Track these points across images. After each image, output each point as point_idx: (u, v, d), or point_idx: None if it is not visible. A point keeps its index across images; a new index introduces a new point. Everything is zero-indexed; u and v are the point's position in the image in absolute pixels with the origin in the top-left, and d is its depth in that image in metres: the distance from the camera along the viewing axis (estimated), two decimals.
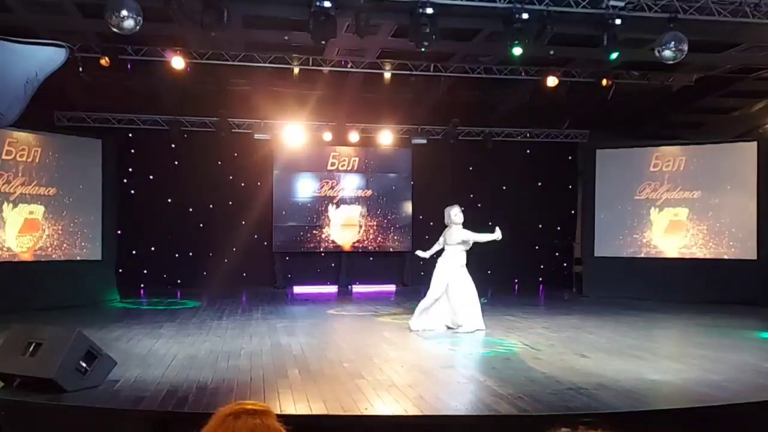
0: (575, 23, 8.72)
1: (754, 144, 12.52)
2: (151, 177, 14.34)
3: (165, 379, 6.00)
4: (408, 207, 15.29)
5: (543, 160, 15.47)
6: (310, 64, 11.06)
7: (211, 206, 14.66)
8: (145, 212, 13.93)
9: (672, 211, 13.06)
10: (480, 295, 9.28)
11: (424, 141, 14.47)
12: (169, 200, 14.45)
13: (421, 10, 8.02)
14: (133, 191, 14.16)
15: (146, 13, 7.60)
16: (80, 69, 10.19)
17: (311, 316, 10.85)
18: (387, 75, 11.42)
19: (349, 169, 15.23)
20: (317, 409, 5.14)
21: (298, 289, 14.53)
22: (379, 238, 15.27)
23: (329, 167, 15.14)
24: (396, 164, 15.40)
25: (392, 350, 7.77)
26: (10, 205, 11.10)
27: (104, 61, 10.18)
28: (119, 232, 13.25)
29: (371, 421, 4.97)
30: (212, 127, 13.62)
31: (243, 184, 14.84)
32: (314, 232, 15.04)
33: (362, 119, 14.15)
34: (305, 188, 15.08)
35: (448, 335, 8.71)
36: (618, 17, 8.27)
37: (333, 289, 14.86)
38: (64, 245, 11.90)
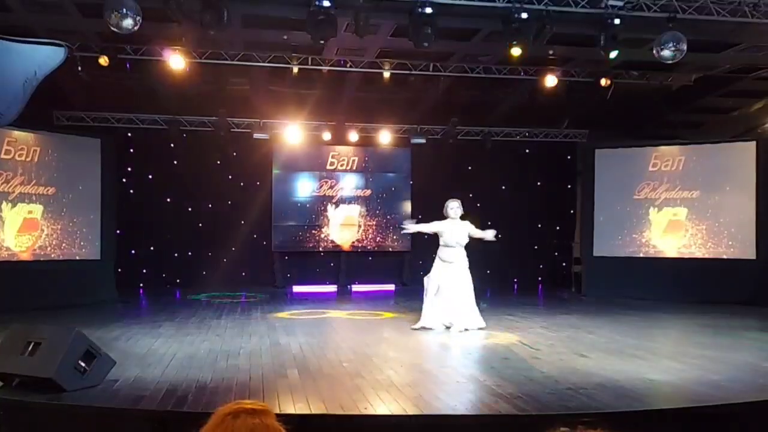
0: (574, 23, 8.72)
1: (753, 144, 12.52)
2: (150, 176, 14.34)
3: (164, 379, 6.00)
4: (407, 206, 15.29)
5: (542, 159, 15.48)
6: (310, 63, 11.05)
7: (210, 206, 14.67)
8: (144, 212, 13.93)
9: (671, 211, 13.06)
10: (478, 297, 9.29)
11: (424, 140, 14.47)
12: (169, 200, 14.45)
13: (420, 10, 8.02)
14: (132, 191, 14.16)
15: (145, 13, 7.59)
16: (79, 68, 10.19)
17: (311, 315, 10.84)
18: (386, 74, 11.42)
19: (348, 168, 15.23)
20: (316, 408, 5.14)
21: (297, 289, 14.54)
22: (378, 238, 15.27)
23: (328, 167, 15.14)
24: (395, 164, 15.41)
25: (391, 350, 7.77)
26: (9, 204, 11.10)
27: (103, 61, 10.17)
28: (118, 231, 13.24)
29: (370, 420, 4.96)
30: (211, 126, 13.61)
31: (242, 184, 14.85)
32: (313, 231, 15.05)
33: (361, 119, 14.15)
34: (304, 188, 15.09)
35: (447, 335, 8.70)
36: (617, 17, 8.27)
37: (332, 288, 14.86)
38: (63, 245, 11.89)
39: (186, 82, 11.16)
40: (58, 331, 5.84)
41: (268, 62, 10.90)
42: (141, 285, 14.10)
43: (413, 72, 11.45)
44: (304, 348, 7.68)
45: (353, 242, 15.22)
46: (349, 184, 15.27)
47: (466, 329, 8.85)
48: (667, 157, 13.17)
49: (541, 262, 16.00)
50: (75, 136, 12.35)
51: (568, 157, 15.69)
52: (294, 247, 15.01)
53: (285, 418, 1.86)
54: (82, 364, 5.49)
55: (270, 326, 9.37)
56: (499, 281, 15.21)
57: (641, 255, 13.27)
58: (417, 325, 9.06)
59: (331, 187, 15.17)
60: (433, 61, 11.28)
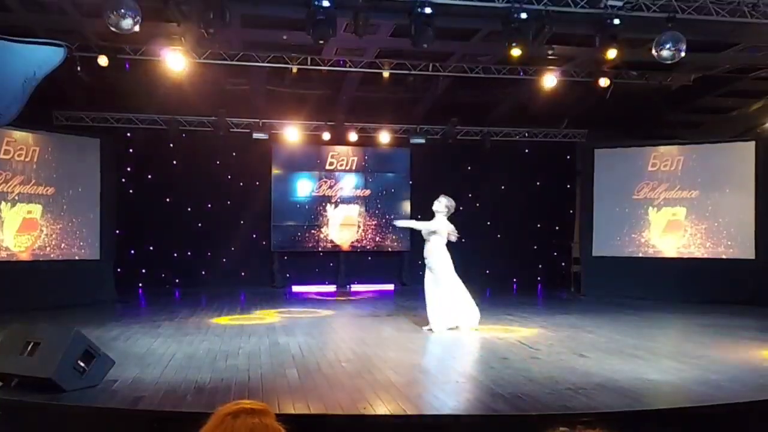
0: (574, 23, 8.72)
1: (752, 144, 12.53)
2: (149, 176, 14.34)
3: (163, 379, 5.99)
4: (406, 206, 15.29)
5: (541, 159, 15.48)
6: (309, 63, 11.05)
7: (209, 206, 14.66)
8: (143, 212, 13.91)
9: (670, 211, 13.07)
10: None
11: (423, 140, 14.47)
12: (168, 200, 14.45)
13: (419, 10, 8.02)
14: (131, 191, 14.15)
15: (144, 13, 7.59)
16: (78, 68, 10.18)
17: (310, 315, 10.83)
18: (385, 74, 11.42)
19: (347, 168, 15.23)
20: (315, 408, 5.14)
21: (296, 289, 14.54)
22: (377, 238, 15.28)
23: (328, 167, 15.14)
24: (394, 164, 15.41)
25: (391, 350, 7.77)
26: (8, 204, 11.09)
27: (102, 61, 10.16)
28: (117, 231, 13.24)
29: (370, 420, 4.96)
30: (210, 126, 13.61)
31: (241, 184, 14.84)
32: (313, 231, 15.05)
33: (361, 119, 14.15)
34: (304, 188, 15.09)
35: (447, 334, 8.70)
36: (616, 17, 8.27)
37: (331, 288, 14.87)
38: (63, 245, 11.89)
39: (185, 82, 11.17)
40: (57, 331, 5.84)
41: (268, 62, 10.90)
42: (140, 285, 14.10)
43: (413, 72, 11.45)
44: (303, 348, 7.68)
45: (352, 242, 15.22)
46: (349, 184, 15.27)
47: (473, 326, 8.84)
48: (667, 157, 13.18)
49: (540, 262, 16.00)
50: (74, 136, 12.35)
51: (568, 157, 15.69)
52: (293, 247, 15.01)
53: (284, 418, 1.86)
54: (81, 364, 5.49)
55: (269, 326, 9.37)
56: (498, 281, 15.22)
57: (640, 255, 13.28)
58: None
59: (331, 187, 15.17)
60: (432, 61, 11.28)
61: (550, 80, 11.53)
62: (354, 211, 15.25)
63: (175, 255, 14.43)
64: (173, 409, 5.05)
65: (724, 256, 12.51)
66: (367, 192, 15.31)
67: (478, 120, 14.46)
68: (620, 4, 8.23)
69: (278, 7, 8.69)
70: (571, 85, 12.03)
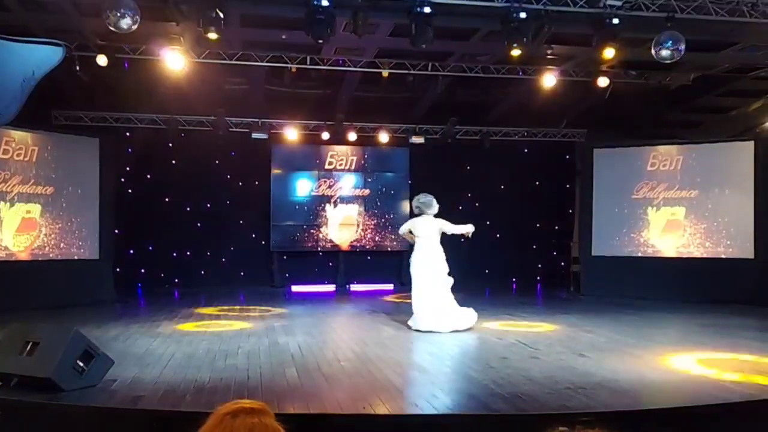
0: (573, 22, 8.72)
1: (752, 143, 12.53)
2: (148, 176, 14.33)
3: (162, 379, 5.99)
4: (406, 206, 15.26)
5: (540, 159, 15.48)
6: (308, 63, 11.05)
7: (208, 205, 14.66)
8: (142, 211, 13.91)
9: (669, 211, 13.07)
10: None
11: (422, 140, 14.47)
12: (167, 199, 14.44)
13: (418, 9, 8.02)
14: (130, 190, 14.15)
15: (143, 12, 7.58)
16: (77, 68, 10.17)
17: (309, 315, 10.83)
18: (385, 74, 11.41)
19: (346, 168, 15.23)
20: (315, 408, 5.13)
21: (296, 288, 14.54)
22: (376, 238, 15.28)
23: (327, 166, 15.14)
24: (394, 163, 15.41)
25: (390, 349, 7.77)
26: (7, 204, 11.08)
27: (101, 60, 10.16)
28: (117, 231, 13.24)
29: (369, 420, 4.96)
30: (210, 126, 13.61)
31: (241, 184, 14.84)
32: (312, 231, 15.05)
33: (360, 118, 14.16)
34: (303, 187, 15.08)
35: (446, 335, 8.69)
36: (615, 16, 8.28)
37: (331, 288, 14.87)
38: (62, 244, 11.88)
39: (184, 82, 11.16)
40: (56, 331, 5.84)
41: (267, 62, 10.90)
42: (139, 285, 14.10)
43: (412, 71, 11.45)
44: (302, 347, 7.68)
45: (352, 242, 15.22)
46: (348, 183, 15.27)
47: (467, 327, 8.84)
48: (666, 156, 13.18)
49: (539, 261, 16.01)
50: (73, 136, 12.34)
51: (567, 157, 15.70)
52: (292, 246, 15.01)
53: (283, 418, 1.85)
54: (81, 364, 5.49)
55: (268, 326, 9.37)
56: (497, 281, 15.23)
57: (640, 255, 13.28)
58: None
59: (330, 187, 15.17)
60: (431, 60, 11.28)
61: (549, 80, 11.53)
62: (353, 210, 15.25)
63: (175, 255, 14.43)
64: (172, 409, 5.04)
65: (723, 256, 12.52)
66: (367, 192, 15.31)
67: (477, 120, 14.46)
68: (619, 3, 8.23)
69: (277, 6, 8.69)
70: (571, 84, 12.04)
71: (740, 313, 10.52)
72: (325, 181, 15.15)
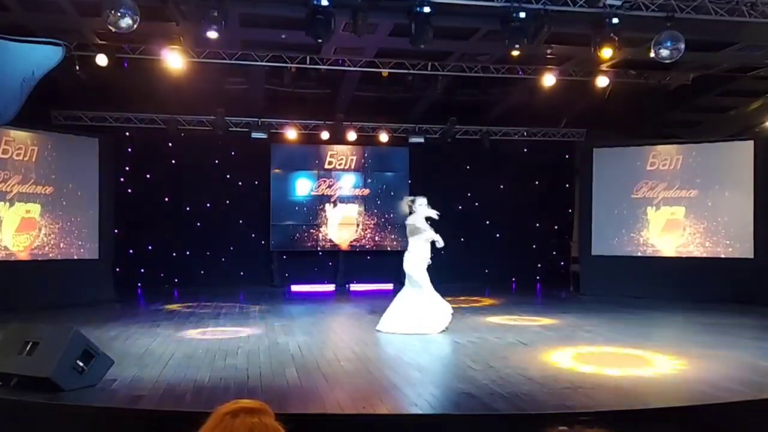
0: (573, 22, 8.72)
1: (751, 143, 12.53)
2: (148, 176, 14.33)
3: (162, 378, 6.00)
4: (405, 206, 15.26)
5: (540, 159, 15.49)
6: (308, 62, 11.04)
7: (208, 205, 14.66)
8: (142, 211, 13.91)
9: (669, 210, 13.07)
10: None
11: (422, 140, 14.48)
12: (167, 199, 14.44)
13: (418, 9, 8.02)
14: (130, 190, 14.14)
15: (143, 12, 7.58)
16: (77, 67, 10.17)
17: (309, 314, 10.84)
18: (384, 74, 11.41)
19: (346, 167, 15.23)
20: (314, 408, 5.14)
21: (295, 288, 14.54)
22: (376, 237, 15.27)
23: (326, 166, 15.14)
24: (393, 163, 15.41)
25: (389, 349, 7.77)
26: (7, 204, 11.08)
27: (101, 60, 10.15)
28: (116, 231, 13.24)
29: (369, 419, 4.96)
30: (209, 126, 13.60)
31: (240, 183, 14.84)
32: (312, 231, 15.05)
33: (360, 118, 14.16)
34: (302, 187, 15.08)
35: (446, 334, 8.69)
36: (615, 16, 8.27)
37: (330, 287, 14.87)
38: (61, 244, 11.88)
39: (184, 82, 11.16)
40: (56, 331, 5.84)
41: (266, 61, 10.89)
42: (139, 284, 14.10)
43: (411, 71, 11.44)
44: (302, 347, 7.68)
45: (351, 241, 15.22)
46: (348, 183, 15.27)
47: (441, 330, 8.82)
48: (665, 156, 13.18)
49: (539, 261, 16.01)
50: (73, 136, 12.33)
51: (566, 157, 15.71)
52: (292, 246, 15.00)
53: (283, 418, 1.86)
54: (80, 364, 5.49)
55: (268, 326, 9.37)
56: (497, 280, 15.24)
57: (639, 254, 13.28)
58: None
59: (330, 187, 15.16)
60: (431, 60, 11.27)
61: (548, 80, 11.52)
62: (353, 210, 15.25)
63: (174, 255, 14.43)
64: (172, 409, 5.05)
65: (722, 255, 12.52)
66: (366, 191, 15.31)
67: (477, 119, 14.46)
68: (619, 3, 8.23)
69: (277, 6, 8.67)
70: (570, 84, 12.03)
71: (739, 313, 10.52)
72: (324, 181, 15.15)
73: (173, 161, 14.41)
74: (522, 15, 8.12)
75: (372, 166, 15.34)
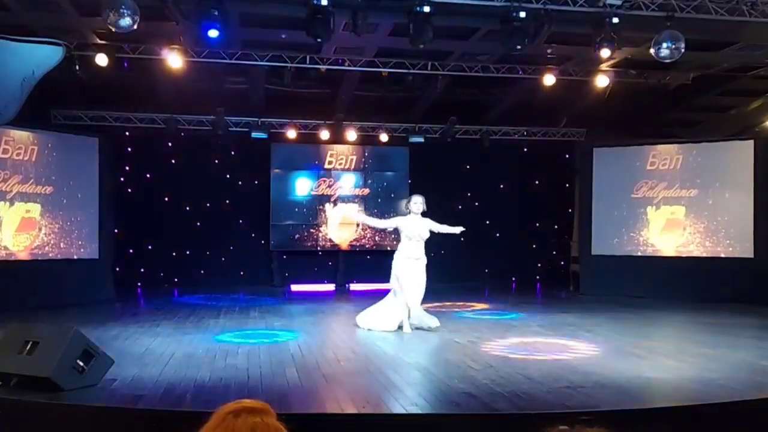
0: (573, 22, 8.72)
1: (751, 142, 12.53)
2: (148, 175, 14.32)
3: (162, 378, 5.99)
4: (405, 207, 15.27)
5: (540, 158, 15.48)
6: (308, 62, 11.04)
7: (208, 205, 14.66)
8: (142, 211, 13.90)
9: (669, 210, 13.07)
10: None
11: (422, 139, 14.47)
12: (166, 199, 14.43)
13: (418, 9, 8.02)
14: (130, 190, 14.15)
15: (143, 12, 7.58)
16: (77, 67, 10.16)
17: (309, 314, 10.84)
18: (384, 73, 11.40)
19: (346, 167, 15.22)
20: (315, 408, 5.14)
21: (295, 288, 14.54)
22: (376, 237, 15.26)
23: (326, 165, 15.13)
24: (393, 163, 15.39)
25: (390, 349, 7.77)
26: (7, 203, 11.07)
27: (101, 60, 10.15)
28: (116, 230, 13.23)
29: (369, 419, 4.96)
30: (209, 125, 13.59)
31: (240, 183, 14.84)
32: (311, 230, 15.04)
33: (359, 118, 14.15)
34: (302, 187, 15.08)
35: (446, 334, 8.69)
36: (615, 16, 8.28)
37: (330, 287, 14.87)
38: (61, 244, 11.87)
39: (184, 81, 11.16)
40: (56, 331, 5.83)
41: (266, 61, 10.89)
42: (139, 284, 14.10)
43: (411, 71, 11.44)
44: (302, 347, 7.68)
45: (351, 241, 15.22)
46: (348, 183, 15.26)
47: (421, 327, 8.81)
48: (665, 155, 13.18)
49: (539, 260, 16.01)
50: (73, 135, 12.33)
51: (566, 156, 15.70)
52: (292, 246, 15.00)
53: (284, 418, 1.86)
54: (81, 364, 5.49)
55: (268, 325, 9.37)
56: (497, 280, 15.24)
57: (639, 254, 13.28)
58: (371, 327, 8.93)
59: (330, 186, 15.16)
60: (431, 60, 11.27)
61: (548, 79, 11.52)
62: (353, 210, 15.23)
63: (174, 254, 14.43)
64: (173, 409, 5.04)
65: (722, 255, 12.52)
66: (366, 191, 15.31)
67: (476, 119, 14.46)
68: (619, 2, 8.23)
69: (277, 6, 8.68)
70: (570, 84, 12.03)
71: (739, 312, 10.52)
72: (324, 181, 15.14)
73: (173, 161, 14.41)
74: (522, 14, 8.12)
75: (372, 166, 15.33)
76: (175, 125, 13.44)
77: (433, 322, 8.94)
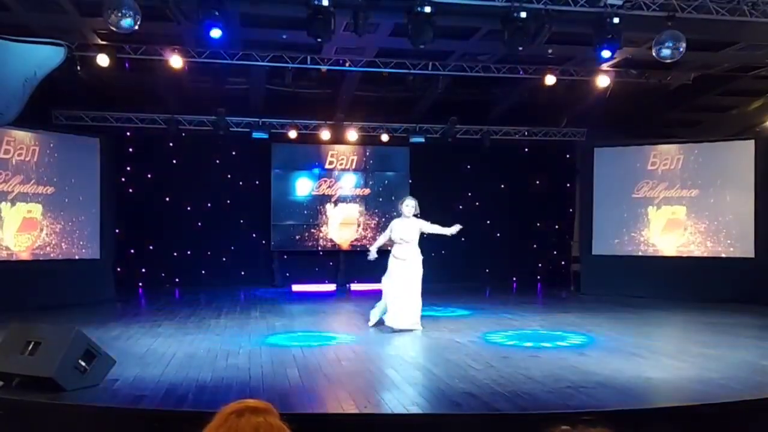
0: (573, 22, 8.72)
1: (752, 142, 12.52)
2: (149, 175, 14.34)
3: (164, 378, 6.00)
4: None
5: (541, 158, 15.49)
6: (308, 62, 11.05)
7: (209, 205, 14.67)
8: (143, 211, 13.92)
9: (670, 210, 13.07)
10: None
11: (422, 139, 14.49)
12: (167, 199, 14.45)
13: (419, 9, 8.02)
14: (131, 190, 14.16)
15: (144, 12, 7.59)
16: (78, 67, 10.18)
17: (310, 314, 10.85)
18: (385, 74, 11.41)
19: (347, 167, 15.23)
20: (316, 407, 5.14)
21: (296, 288, 14.54)
22: (377, 237, 15.22)
23: (327, 166, 15.14)
24: (394, 163, 15.40)
25: (391, 348, 7.78)
26: (8, 204, 11.09)
27: (102, 60, 10.16)
28: (117, 230, 13.25)
29: (371, 419, 4.97)
30: (210, 125, 13.61)
31: (241, 183, 14.85)
32: (312, 230, 15.05)
33: (360, 118, 14.16)
34: (303, 187, 15.08)
35: (445, 334, 8.70)
36: (616, 16, 8.28)
37: (331, 287, 14.87)
38: (63, 244, 11.89)
39: (185, 82, 11.17)
40: (58, 331, 5.84)
41: (267, 61, 10.90)
42: (140, 284, 14.11)
43: (412, 71, 11.45)
44: (303, 347, 7.68)
45: (352, 241, 15.22)
46: (348, 183, 15.27)
47: (401, 329, 8.71)
48: (666, 155, 13.18)
49: (540, 260, 16.01)
50: (74, 136, 12.35)
51: (567, 156, 15.70)
52: (293, 246, 15.01)
53: (285, 418, 1.86)
54: (82, 364, 5.50)
55: (269, 325, 9.37)
56: (497, 280, 15.25)
57: (640, 254, 13.28)
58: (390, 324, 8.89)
59: (330, 186, 15.17)
60: (432, 60, 11.28)
61: (549, 79, 11.52)
62: (354, 210, 15.25)
63: (175, 254, 14.44)
64: (174, 409, 5.05)
65: (723, 255, 12.52)
66: (367, 191, 15.31)
67: (477, 119, 14.46)
68: (620, 2, 8.23)
69: (278, 6, 8.69)
70: (571, 83, 12.04)
71: (740, 312, 10.51)
72: (325, 181, 15.15)
73: (174, 161, 14.42)
74: (523, 15, 8.12)
75: (373, 166, 15.34)
76: (176, 125, 13.45)
77: (414, 325, 8.86)
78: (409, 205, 9.13)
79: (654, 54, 8.55)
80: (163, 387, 5.67)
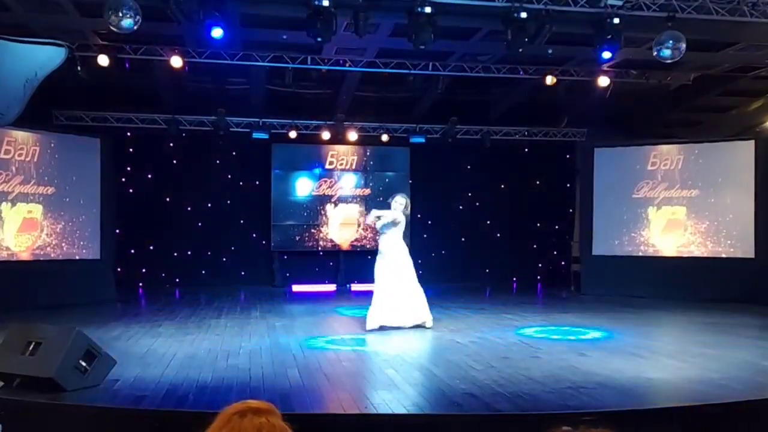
0: (573, 22, 8.73)
1: (752, 142, 12.53)
2: (149, 176, 14.35)
3: (165, 378, 6.00)
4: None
5: (541, 158, 15.49)
6: (309, 63, 11.06)
7: (209, 205, 14.68)
8: (143, 211, 13.93)
9: (670, 210, 13.07)
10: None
11: (423, 140, 14.50)
12: (168, 199, 14.46)
13: (419, 9, 8.03)
14: (131, 190, 14.17)
15: (145, 12, 7.59)
16: (78, 68, 10.19)
17: (310, 314, 10.85)
18: (385, 74, 11.41)
19: (347, 167, 15.24)
20: (316, 408, 5.14)
21: (296, 288, 14.55)
22: (377, 237, 15.23)
23: (327, 166, 15.15)
24: (394, 163, 15.41)
25: (391, 348, 7.77)
26: (9, 204, 11.09)
27: (103, 60, 10.17)
28: (118, 231, 13.25)
29: (371, 419, 4.97)
30: (211, 126, 13.62)
31: (241, 183, 14.86)
32: (312, 231, 15.06)
33: (360, 118, 14.17)
34: (303, 187, 15.09)
35: (445, 334, 8.70)
36: (616, 16, 8.28)
37: (332, 287, 14.88)
38: (63, 244, 11.89)
39: (185, 82, 11.18)
40: (58, 331, 5.84)
41: (268, 62, 10.91)
42: (140, 284, 14.11)
43: (412, 71, 11.46)
44: (303, 347, 7.68)
45: (352, 241, 15.23)
46: (348, 183, 15.28)
47: (399, 326, 8.75)
48: (666, 156, 13.18)
49: (540, 261, 16.02)
50: (74, 136, 12.35)
51: (567, 156, 15.71)
52: (293, 246, 15.01)
53: (285, 418, 1.87)
54: (83, 364, 5.49)
55: (269, 326, 9.37)
56: (498, 280, 15.25)
57: (640, 254, 13.29)
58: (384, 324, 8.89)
59: (330, 186, 15.17)
60: (432, 60, 11.29)
61: (549, 79, 11.53)
62: (354, 210, 15.25)
63: (175, 254, 14.45)
64: (175, 409, 5.05)
65: (723, 255, 12.52)
66: (367, 191, 15.32)
67: (477, 119, 14.47)
68: (620, 3, 8.24)
69: (278, 6, 8.70)
70: (571, 84, 12.04)
71: (740, 312, 10.51)
72: (325, 181, 15.16)
73: (174, 161, 14.44)
74: (523, 15, 8.13)
75: (373, 166, 15.34)
76: (176, 126, 13.46)
77: (418, 320, 8.88)
78: (397, 201, 9.14)
79: (654, 54, 8.56)
80: (163, 387, 5.67)
